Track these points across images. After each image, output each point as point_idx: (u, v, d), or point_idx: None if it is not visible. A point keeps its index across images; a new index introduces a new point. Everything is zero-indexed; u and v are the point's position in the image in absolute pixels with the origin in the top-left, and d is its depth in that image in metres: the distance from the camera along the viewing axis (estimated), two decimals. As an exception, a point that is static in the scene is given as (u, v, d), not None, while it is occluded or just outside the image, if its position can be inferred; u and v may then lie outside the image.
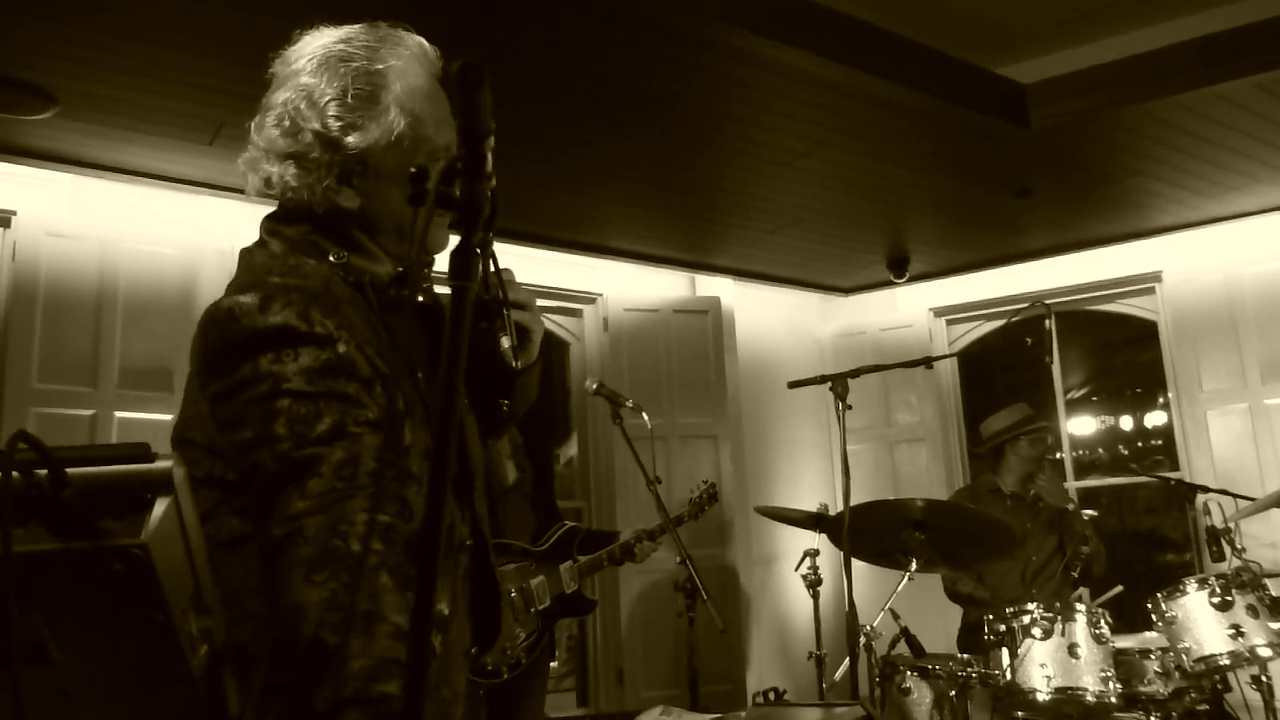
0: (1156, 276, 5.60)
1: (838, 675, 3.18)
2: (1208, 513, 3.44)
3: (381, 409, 1.17)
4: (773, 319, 6.32)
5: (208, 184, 4.24)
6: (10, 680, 0.73)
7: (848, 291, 6.54)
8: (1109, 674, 3.08)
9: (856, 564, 3.23)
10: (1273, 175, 4.70)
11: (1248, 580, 3.24)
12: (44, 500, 0.76)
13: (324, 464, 1.09)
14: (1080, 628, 3.12)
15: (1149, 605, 3.36)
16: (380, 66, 1.28)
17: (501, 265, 1.25)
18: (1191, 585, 3.27)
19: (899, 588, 3.20)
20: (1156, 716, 3.13)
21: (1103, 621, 3.14)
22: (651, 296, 5.70)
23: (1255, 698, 3.29)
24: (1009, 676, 3.09)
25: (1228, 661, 3.16)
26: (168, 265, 4.16)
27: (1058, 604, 3.22)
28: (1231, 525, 3.41)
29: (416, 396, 1.26)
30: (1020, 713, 3.13)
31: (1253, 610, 3.19)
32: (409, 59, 1.30)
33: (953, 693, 3.11)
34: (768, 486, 6.00)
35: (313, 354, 1.13)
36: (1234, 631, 3.16)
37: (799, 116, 3.84)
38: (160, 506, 0.77)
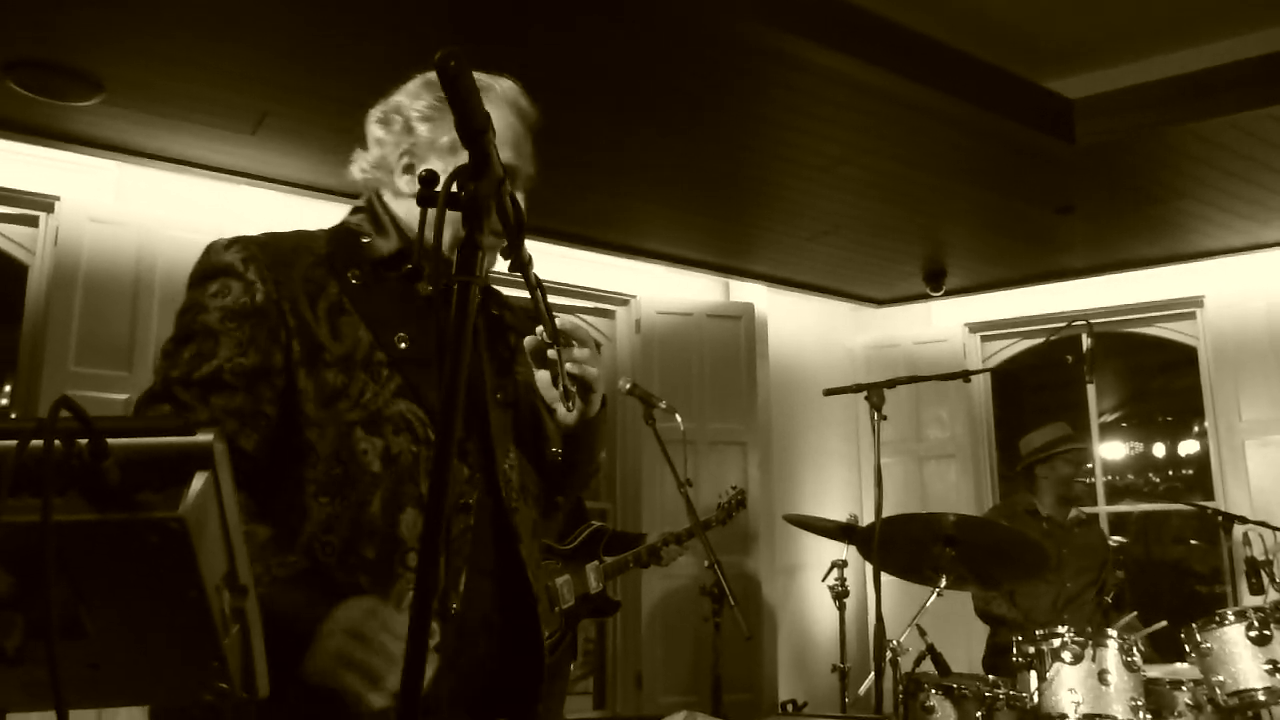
0: (1198, 301, 5.51)
1: (862, 690, 3.13)
2: (1248, 544, 3.36)
3: (263, 354, 1.35)
4: (805, 327, 6.28)
5: (248, 174, 4.27)
6: (49, 651, 0.72)
7: (882, 303, 6.49)
8: (1139, 703, 3.01)
9: (884, 578, 3.19)
10: (1323, 201, 4.62)
11: (1289, 615, 3.16)
12: (84, 470, 0.75)
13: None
14: (1111, 654, 3.06)
15: (1183, 636, 3.29)
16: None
17: (561, 317, 1.37)
18: (1230, 617, 3.20)
19: (927, 603, 3.16)
20: (1186, 749, 3.07)
21: (1135, 649, 3.08)
22: (685, 300, 5.68)
23: (1289, 734, 3.22)
24: (1036, 700, 3.03)
25: (1264, 698, 3.08)
26: None
27: (1089, 629, 3.16)
28: (1272, 557, 3.33)
29: (356, 353, 1.38)
30: (1046, 737, 3.07)
31: (1292, 645, 3.11)
32: (496, 94, 1.47)
33: (979, 714, 3.06)
34: (794, 496, 5.96)
35: (235, 294, 1.36)
36: (1271, 667, 3.08)
37: (840, 122, 3.81)
38: (199, 480, 0.76)
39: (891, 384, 3.22)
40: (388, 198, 1.51)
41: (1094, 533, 4.38)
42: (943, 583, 3.18)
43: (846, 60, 3.37)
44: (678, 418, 3.59)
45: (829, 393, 3.43)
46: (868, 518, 3.29)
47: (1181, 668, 3.40)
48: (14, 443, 0.71)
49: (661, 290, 5.64)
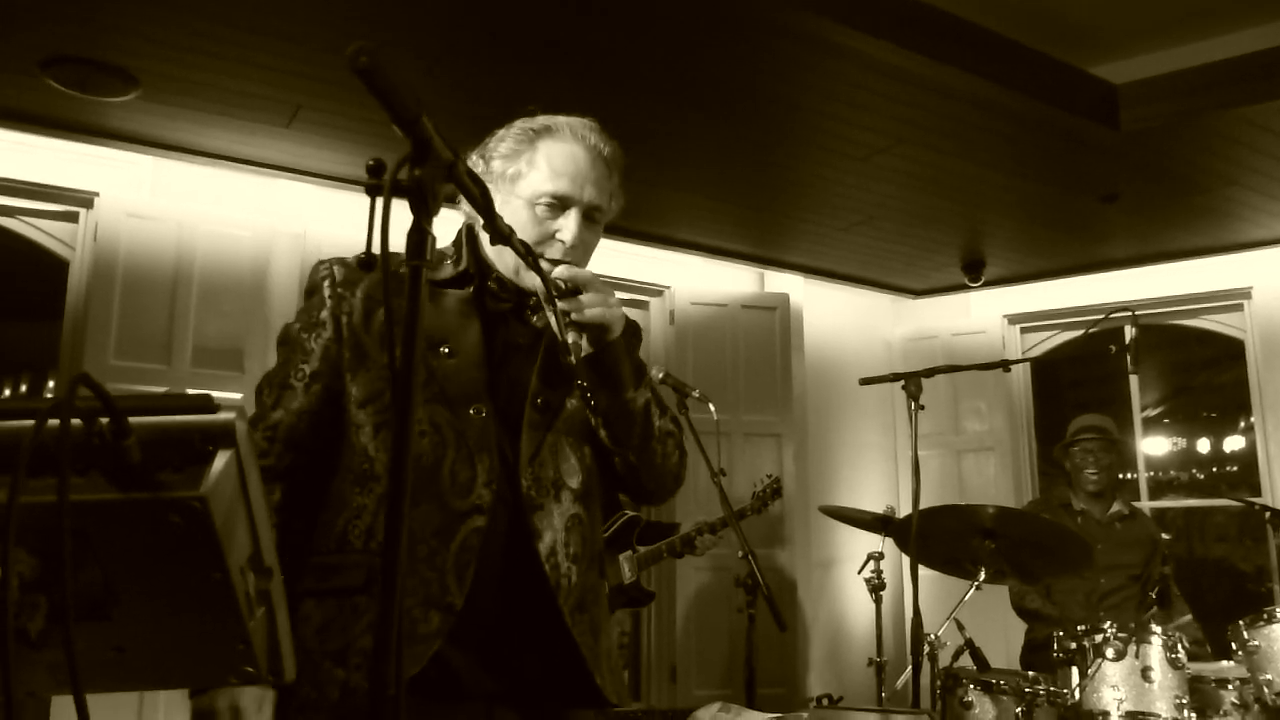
0: (1245, 293, 5.39)
1: (899, 684, 3.09)
2: (1295, 540, 3.27)
3: (322, 361, 1.55)
4: (841, 319, 6.22)
5: (284, 167, 4.29)
6: (65, 632, 0.71)
7: (919, 294, 6.41)
8: (1184, 700, 2.94)
9: (921, 571, 3.14)
10: (1376, 187, 4.49)
11: (1339, 613, 3.08)
12: (105, 449, 0.74)
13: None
14: (1155, 651, 2.99)
15: (1229, 633, 3.21)
16: (540, 129, 1.60)
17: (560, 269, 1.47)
18: (1279, 614, 3.12)
19: (965, 597, 3.11)
20: (1231, 749, 3.00)
21: (1179, 646, 3.01)
22: (719, 291, 5.64)
23: (1340, 734, 3.13)
24: (1077, 696, 2.98)
25: (1313, 697, 3.00)
26: (242, 247, 4.23)
27: (1132, 625, 3.10)
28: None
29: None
30: (1088, 734, 3.01)
31: (1342, 644, 3.03)
32: (561, 127, 1.60)
33: (1018, 710, 3.00)
34: (830, 488, 5.91)
35: (313, 307, 1.57)
36: (1321, 665, 3.00)
37: (878, 110, 3.75)
38: (221, 460, 0.75)
39: (929, 373, 3.17)
40: (477, 229, 1.63)
41: (1139, 526, 4.28)
42: (981, 576, 3.13)
43: (885, 46, 3.31)
44: (711, 407, 3.56)
45: (865, 382, 3.38)
46: (904, 510, 3.24)
47: (1227, 666, 3.32)
48: (32, 422, 0.70)
49: (696, 281, 5.61)
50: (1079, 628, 3.07)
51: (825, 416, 6.01)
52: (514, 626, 1.50)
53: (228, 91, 3.61)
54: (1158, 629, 3.05)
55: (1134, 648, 2.99)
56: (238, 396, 4.06)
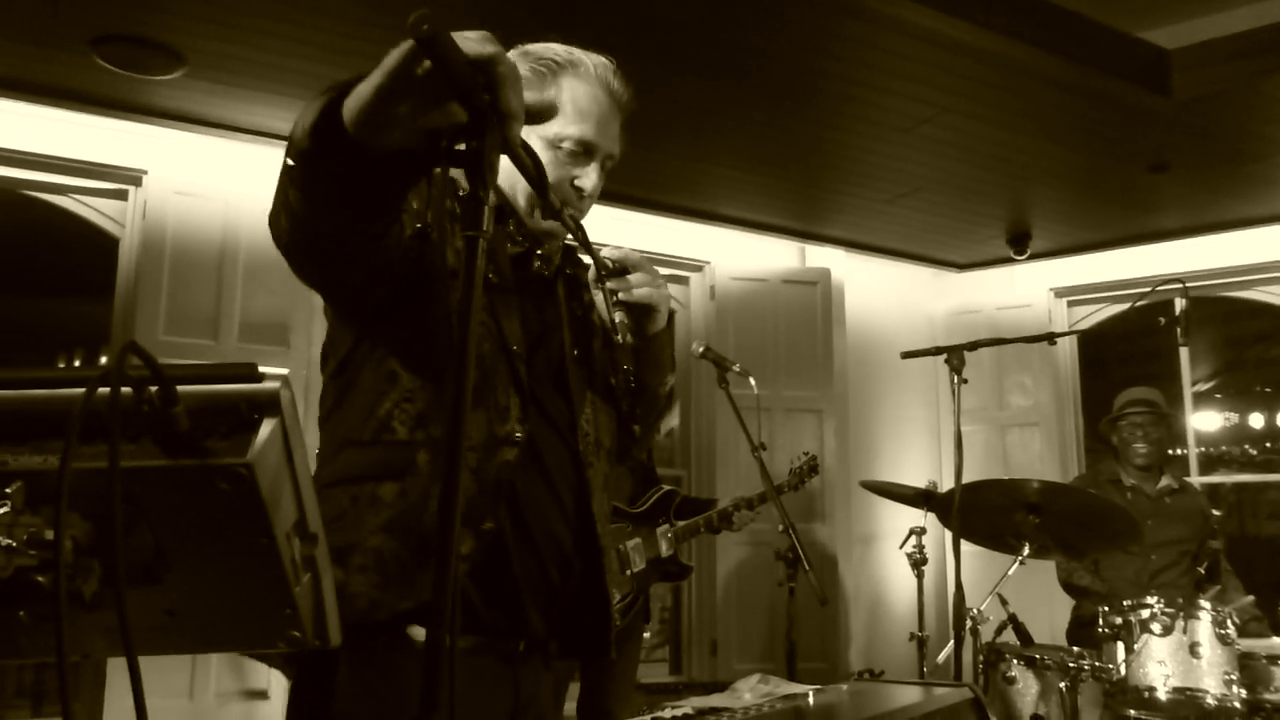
0: (1301, 263, 5.25)
1: (941, 658, 3.08)
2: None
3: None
4: (883, 293, 6.16)
5: (326, 144, 4.32)
6: (117, 592, 0.73)
7: (963, 268, 6.33)
8: (1233, 677, 2.91)
9: (964, 546, 3.12)
10: None
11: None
12: (154, 417, 0.76)
13: None
14: (1204, 627, 2.96)
15: (1280, 610, 3.17)
16: (563, 62, 1.49)
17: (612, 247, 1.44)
18: (1331, 589, 3.06)
19: (1009, 572, 3.09)
20: (1282, 726, 2.95)
21: (1229, 622, 2.97)
22: (760, 266, 5.61)
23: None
24: (1123, 672, 2.95)
25: (1365, 673, 2.95)
26: None
27: (1180, 600, 3.06)
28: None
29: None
30: (1133, 710, 2.98)
31: (1397, 620, 2.97)
32: (586, 70, 1.50)
33: (1062, 684, 2.98)
34: (871, 463, 5.88)
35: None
36: (1372, 642, 2.95)
37: (922, 79, 3.70)
38: (266, 427, 0.76)
39: (972, 346, 3.14)
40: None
41: (1189, 500, 4.20)
42: (1025, 551, 3.10)
43: (931, 15, 3.26)
44: (751, 381, 3.54)
45: (907, 355, 3.35)
46: (947, 484, 3.22)
47: (1279, 642, 3.27)
48: (83, 390, 0.72)
49: (736, 256, 5.58)
50: (1125, 603, 3.05)
51: (866, 391, 5.97)
52: (569, 574, 1.47)
53: (271, 68, 3.64)
54: (1206, 605, 3.01)
55: (1182, 623, 2.96)
56: (284, 371, 4.11)
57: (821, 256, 5.82)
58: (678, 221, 5.29)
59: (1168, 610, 2.98)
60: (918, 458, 6.15)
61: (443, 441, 1.28)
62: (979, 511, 3.18)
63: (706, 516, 3.54)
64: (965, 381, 3.10)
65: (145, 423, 0.77)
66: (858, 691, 1.93)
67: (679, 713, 1.73)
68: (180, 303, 4.08)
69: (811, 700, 1.85)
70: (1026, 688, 3.08)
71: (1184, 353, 5.68)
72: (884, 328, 6.08)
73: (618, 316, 1.43)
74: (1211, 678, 2.90)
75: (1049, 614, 4.69)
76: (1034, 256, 5.84)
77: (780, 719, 1.73)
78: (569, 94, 1.47)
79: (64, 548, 0.73)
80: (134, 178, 4.16)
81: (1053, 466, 5.72)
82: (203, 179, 4.23)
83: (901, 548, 4.21)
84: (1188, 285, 3.31)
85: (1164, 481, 4.20)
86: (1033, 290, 6.06)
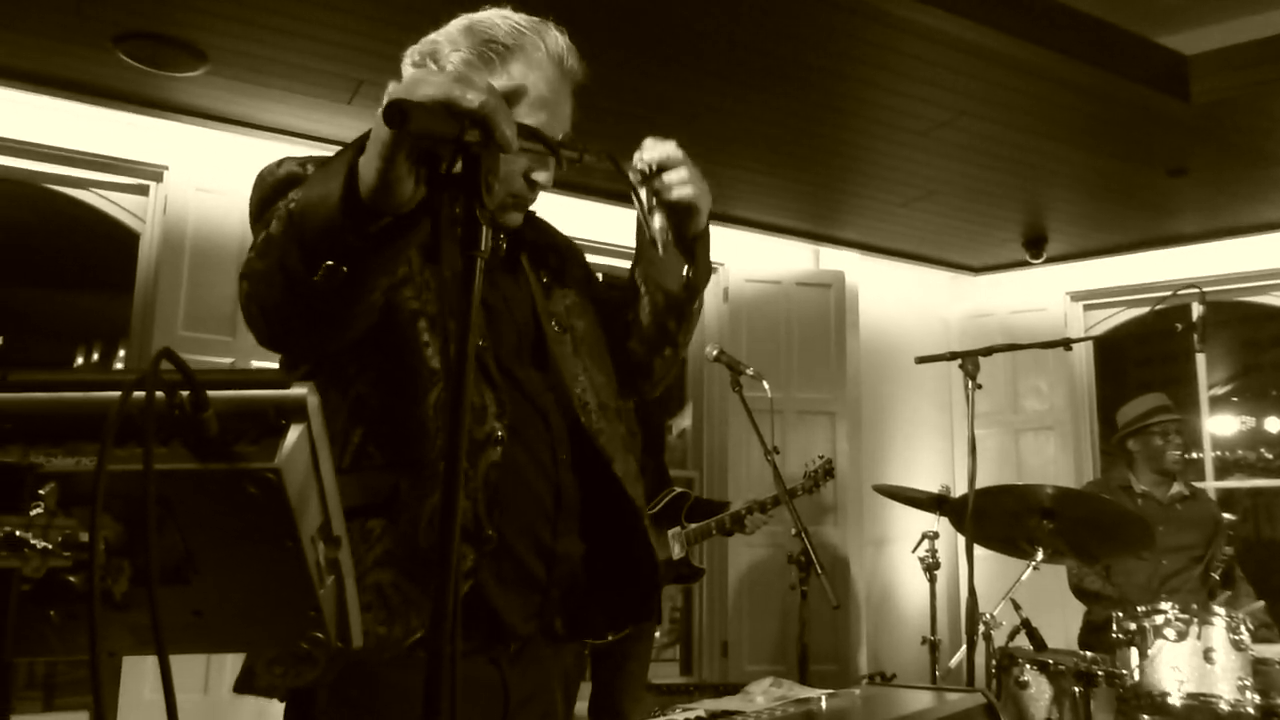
0: (1320, 268, 5.22)
1: (953, 663, 3.08)
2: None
3: None
4: (897, 296, 6.16)
5: (345, 142, 4.35)
6: (150, 593, 0.75)
7: (978, 271, 6.31)
8: (1246, 683, 2.90)
9: (977, 551, 3.12)
10: None
11: None
12: (185, 421, 0.77)
13: None
14: (1218, 632, 2.95)
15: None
16: (512, 45, 1.37)
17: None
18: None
19: (1022, 577, 3.08)
20: (1296, 732, 2.94)
21: (1243, 628, 2.96)
22: (773, 268, 5.61)
23: None
24: (1137, 677, 2.95)
25: (1380, 679, 2.94)
26: None
27: (1194, 605, 3.05)
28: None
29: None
30: (1146, 716, 2.98)
31: None
32: (544, 55, 1.38)
33: (1075, 690, 2.98)
34: (884, 467, 5.87)
35: None
36: (1387, 648, 2.94)
37: (939, 83, 3.69)
38: (294, 433, 0.78)
39: (987, 352, 3.13)
40: None
41: (1200, 507, 4.20)
42: (1039, 556, 3.10)
43: (948, 19, 3.26)
44: (765, 385, 3.55)
45: (921, 360, 3.35)
46: (960, 489, 3.22)
47: (1292, 649, 3.26)
48: (118, 393, 0.74)
49: (750, 258, 5.59)
50: (1139, 608, 3.04)
51: (880, 394, 5.97)
52: (594, 557, 1.42)
53: (292, 67, 3.66)
54: (1221, 610, 3.00)
55: (1196, 629, 2.95)
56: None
57: (836, 259, 5.82)
58: (693, 222, 5.29)
59: (1182, 616, 2.97)
60: (931, 461, 6.14)
61: (421, 464, 1.27)
62: (992, 516, 3.18)
63: (719, 519, 3.54)
64: (980, 387, 3.10)
65: (176, 426, 0.78)
66: (870, 696, 1.93)
67: (691, 715, 1.74)
68: (199, 298, 4.11)
69: (824, 705, 1.86)
70: (1039, 693, 3.07)
71: (1200, 357, 5.65)
72: (898, 331, 6.07)
73: (656, 222, 1.36)
74: (1225, 683, 2.89)
75: (1062, 619, 4.68)
76: (1050, 260, 5.82)
77: (792, 722, 1.73)
78: (522, 79, 1.36)
79: (97, 548, 0.75)
80: (155, 173, 4.19)
81: (1067, 471, 5.70)
82: (223, 176, 4.26)
83: (914, 552, 4.21)
84: (1205, 290, 3.30)
85: (1175, 488, 4.19)
86: (1049, 294, 6.04)
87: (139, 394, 0.74)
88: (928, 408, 6.19)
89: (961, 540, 3.15)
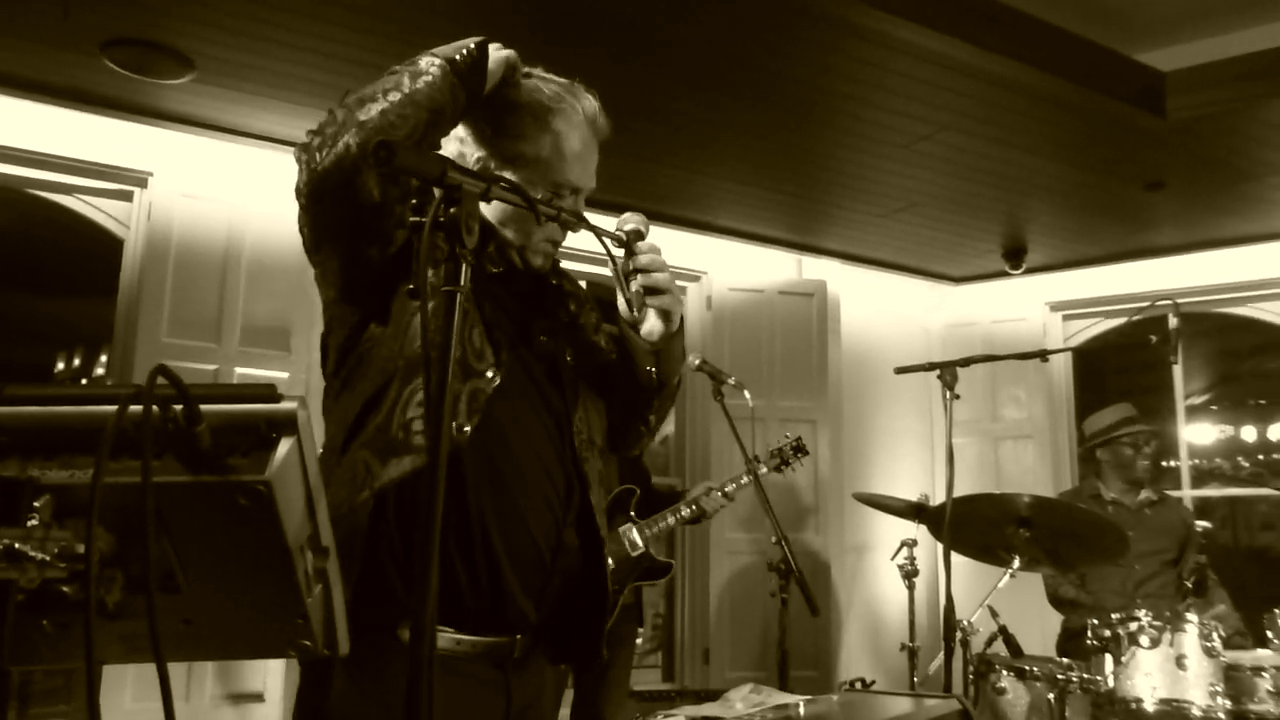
0: (1293, 280, 5.30)
1: (931, 669, 3.12)
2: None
3: None
4: (879, 305, 6.21)
5: (331, 150, 4.36)
6: (149, 603, 0.77)
7: (959, 281, 6.37)
8: (1218, 689, 2.95)
9: (955, 558, 3.16)
10: None
11: (1378, 603, 3.06)
12: (179, 434, 0.80)
13: None
14: (1190, 639, 3.00)
15: (1265, 621, 3.21)
16: (550, 104, 1.56)
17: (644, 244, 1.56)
18: (1315, 603, 3.11)
19: (999, 584, 3.13)
20: (1266, 737, 2.99)
21: (1215, 634, 3.01)
22: (756, 277, 5.65)
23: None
24: (1111, 684, 2.99)
25: (1350, 686, 2.99)
26: (291, 229, 4.18)
27: (1167, 613, 3.10)
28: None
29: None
30: (1120, 722, 3.03)
31: (1381, 635, 3.01)
32: (578, 117, 1.57)
33: (1050, 696, 3.03)
34: (864, 474, 5.92)
35: None
36: (1357, 655, 2.99)
37: (921, 98, 3.74)
38: (284, 446, 0.80)
39: (965, 362, 3.18)
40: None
41: (1170, 512, 4.26)
42: (1016, 564, 3.14)
43: (931, 35, 3.30)
44: (746, 394, 3.58)
45: (900, 371, 3.40)
46: (939, 497, 3.26)
47: (1264, 654, 3.31)
48: (114, 408, 0.76)
49: (733, 267, 5.62)
50: (1114, 615, 3.09)
51: (861, 403, 6.01)
52: (568, 576, 1.52)
53: (279, 75, 3.68)
54: (1193, 617, 3.05)
55: (1169, 636, 3.00)
56: (284, 375, 4.15)
57: (818, 268, 5.86)
58: (676, 232, 5.33)
59: (1155, 623, 3.02)
60: (911, 469, 6.19)
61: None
62: (970, 525, 3.22)
63: (673, 508, 3.49)
64: (958, 397, 3.14)
65: (169, 440, 0.81)
66: (848, 702, 1.96)
67: (672, 721, 1.77)
68: (183, 305, 4.11)
69: (802, 710, 1.89)
70: (1017, 699, 3.11)
71: (1177, 368, 5.72)
72: (879, 339, 6.12)
73: (632, 286, 1.51)
74: (1197, 689, 2.94)
75: (1039, 626, 4.73)
76: (1030, 271, 5.88)
77: (771, 728, 1.76)
78: (562, 137, 1.54)
79: (92, 559, 0.77)
80: (140, 179, 4.19)
81: (1045, 479, 5.76)
82: (208, 183, 4.26)
83: (893, 559, 4.24)
84: (1180, 302, 3.36)
85: (1144, 494, 4.26)
86: (1029, 304, 6.11)
87: (134, 408, 0.77)
88: (908, 416, 6.24)
89: (940, 547, 3.19)
